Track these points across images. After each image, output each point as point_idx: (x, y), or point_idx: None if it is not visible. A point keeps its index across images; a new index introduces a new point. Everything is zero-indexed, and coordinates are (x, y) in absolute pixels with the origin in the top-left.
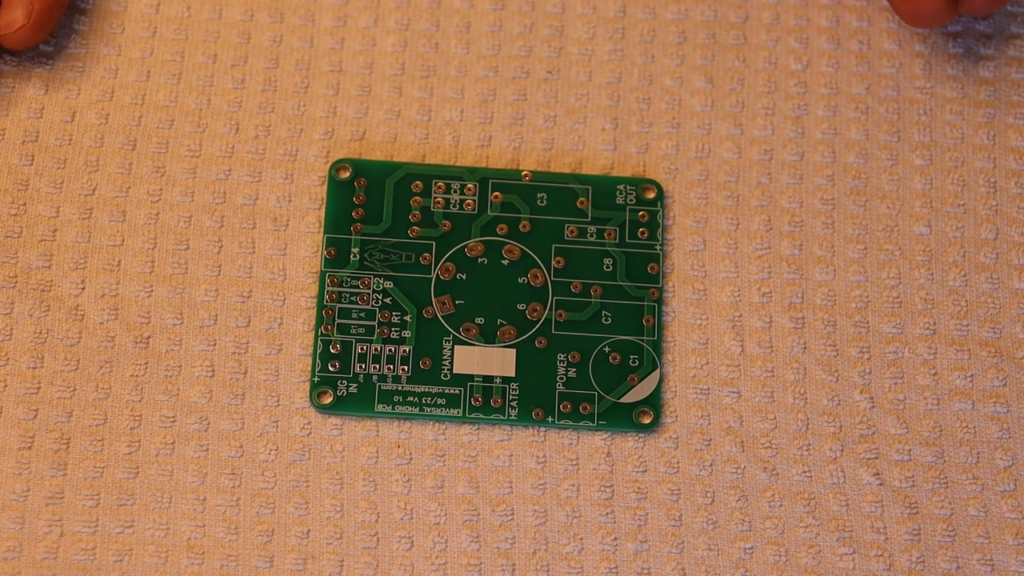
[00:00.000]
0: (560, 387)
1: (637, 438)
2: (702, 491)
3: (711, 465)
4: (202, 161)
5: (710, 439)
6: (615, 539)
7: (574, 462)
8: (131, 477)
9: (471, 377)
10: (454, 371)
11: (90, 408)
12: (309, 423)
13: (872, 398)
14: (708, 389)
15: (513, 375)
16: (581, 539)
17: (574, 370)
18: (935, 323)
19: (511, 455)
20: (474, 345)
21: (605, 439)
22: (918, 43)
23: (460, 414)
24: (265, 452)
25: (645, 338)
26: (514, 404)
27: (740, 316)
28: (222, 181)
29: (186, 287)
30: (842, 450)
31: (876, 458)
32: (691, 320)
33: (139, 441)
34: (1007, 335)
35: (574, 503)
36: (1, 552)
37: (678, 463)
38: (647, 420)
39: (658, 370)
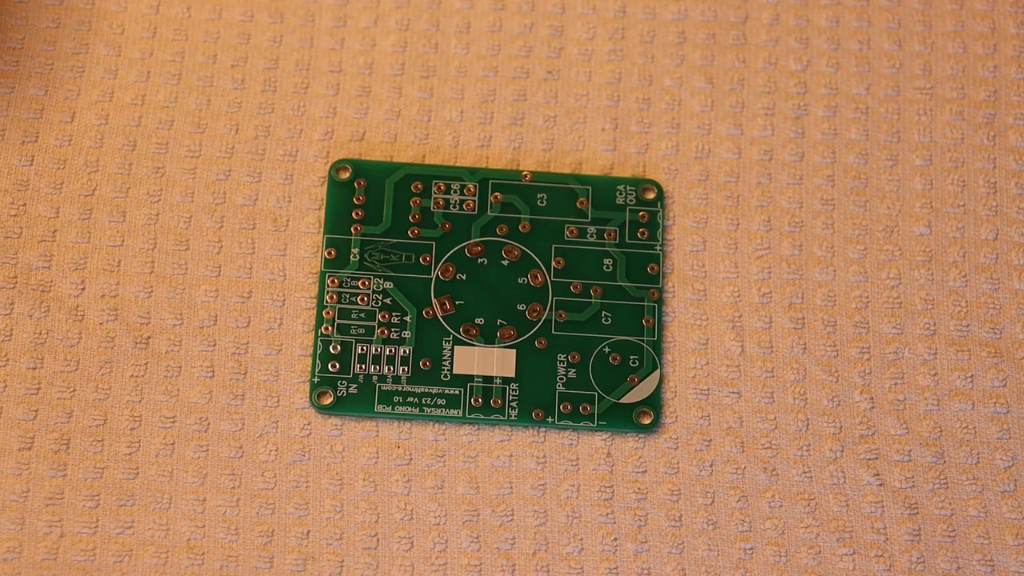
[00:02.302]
0: (560, 387)
1: (637, 438)
2: (702, 491)
3: (711, 466)
4: (202, 161)
5: (710, 439)
6: (615, 539)
7: (574, 462)
8: (131, 478)
9: (471, 377)
10: (454, 371)
11: (90, 409)
12: (309, 423)
13: (872, 398)
14: (708, 389)
15: (513, 375)
16: (581, 539)
17: (574, 370)
18: (935, 323)
19: (511, 455)
20: (474, 345)
21: (605, 439)
22: (918, 43)
23: (460, 414)
24: (265, 453)
25: (645, 338)
26: (514, 404)
27: (740, 316)
28: (222, 181)
29: (186, 288)
30: (842, 450)
31: (876, 458)
32: (691, 320)
33: (139, 442)
34: (1007, 336)
35: (574, 503)
36: (1, 553)
37: (678, 463)
38: (647, 420)
39: (658, 370)
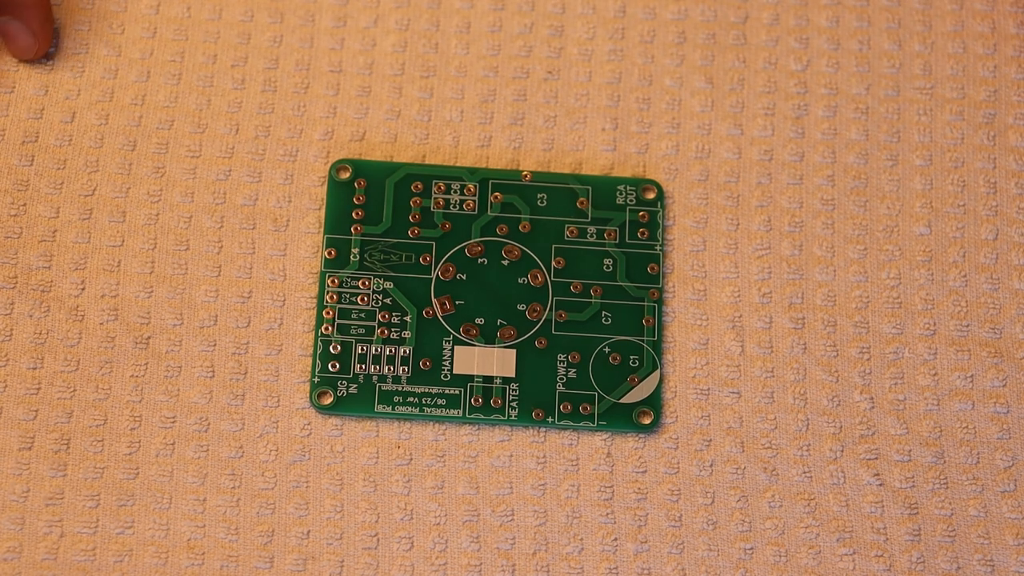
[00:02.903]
0: (560, 387)
1: (637, 438)
2: (702, 491)
3: (711, 466)
4: (202, 161)
5: (710, 439)
6: (615, 539)
7: (574, 462)
8: (131, 478)
9: (471, 377)
10: (454, 371)
11: (90, 409)
12: (309, 423)
13: (872, 398)
14: (708, 389)
15: (513, 375)
16: (581, 539)
17: (574, 370)
18: (935, 323)
19: (511, 455)
20: (474, 345)
21: (605, 439)
22: (918, 43)
23: (460, 414)
24: (265, 453)
25: (645, 338)
26: (514, 404)
27: (740, 316)
28: (222, 182)
29: (186, 288)
30: (842, 450)
31: (876, 458)
32: (691, 320)
33: (139, 442)
34: (1007, 335)
35: (574, 503)
36: (1, 553)
37: (678, 463)
38: (647, 420)
39: (658, 370)
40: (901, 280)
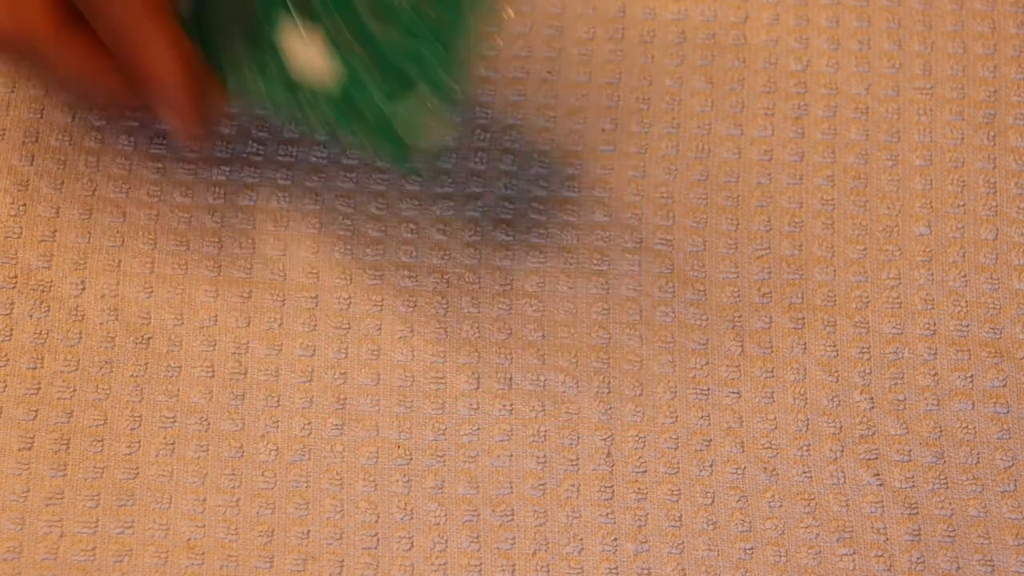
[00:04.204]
0: None
1: (637, 439)
2: (702, 491)
3: (711, 466)
4: (202, 161)
5: (710, 439)
6: (615, 539)
7: (574, 463)
8: (131, 478)
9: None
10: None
11: (90, 409)
12: (309, 423)
13: (872, 398)
14: (708, 389)
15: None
16: (581, 539)
17: None
18: (935, 323)
19: (511, 455)
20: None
21: (606, 439)
22: (917, 43)
23: None
24: (265, 452)
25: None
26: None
27: (740, 316)
28: (223, 180)
29: (186, 287)
30: (842, 450)
31: (876, 458)
32: (691, 320)
33: (139, 441)
34: (1007, 335)
35: (574, 503)
36: (1, 553)
37: (678, 463)
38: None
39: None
40: (901, 280)
